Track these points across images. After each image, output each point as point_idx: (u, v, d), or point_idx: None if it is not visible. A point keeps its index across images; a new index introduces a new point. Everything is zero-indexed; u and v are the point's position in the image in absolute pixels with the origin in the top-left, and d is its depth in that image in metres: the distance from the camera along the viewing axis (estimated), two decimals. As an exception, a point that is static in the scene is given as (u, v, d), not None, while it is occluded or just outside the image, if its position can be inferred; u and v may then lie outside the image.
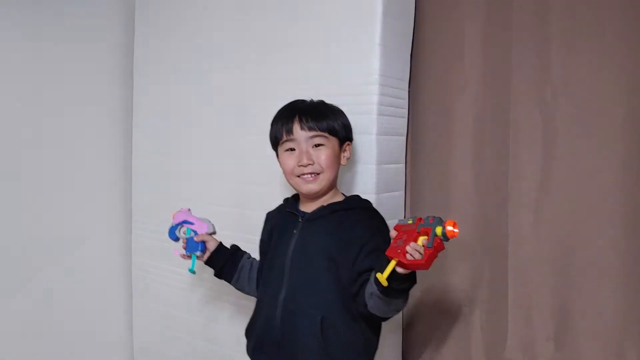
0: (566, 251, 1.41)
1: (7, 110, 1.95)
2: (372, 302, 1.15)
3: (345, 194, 1.42)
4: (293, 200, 1.42)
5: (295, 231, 1.32)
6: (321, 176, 1.29)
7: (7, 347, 1.97)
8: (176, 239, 1.49)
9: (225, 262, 1.46)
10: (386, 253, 1.04)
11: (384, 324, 1.44)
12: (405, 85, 1.62)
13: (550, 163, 1.42)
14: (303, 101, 1.37)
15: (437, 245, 1.00)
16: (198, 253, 1.43)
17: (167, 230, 1.51)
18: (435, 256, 1.00)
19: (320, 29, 1.59)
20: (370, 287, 1.14)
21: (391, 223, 1.57)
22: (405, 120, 1.64)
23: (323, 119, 1.30)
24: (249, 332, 1.41)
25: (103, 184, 2.26)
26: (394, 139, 1.59)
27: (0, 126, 1.94)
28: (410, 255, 1.00)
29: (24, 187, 2.01)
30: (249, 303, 1.45)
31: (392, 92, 1.54)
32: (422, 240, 1.01)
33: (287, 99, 1.42)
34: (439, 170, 1.64)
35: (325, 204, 1.33)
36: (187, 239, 1.46)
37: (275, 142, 1.35)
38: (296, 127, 1.29)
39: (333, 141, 1.31)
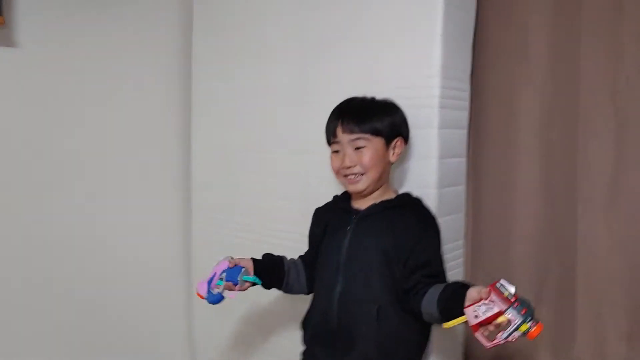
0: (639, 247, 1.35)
1: (71, 108, 2.03)
2: (429, 315, 1.19)
3: (402, 189, 1.46)
4: (345, 197, 1.45)
5: (348, 228, 1.36)
6: (365, 177, 1.33)
7: (66, 335, 2.05)
8: (220, 298, 1.35)
9: (272, 273, 1.43)
10: (465, 307, 1.02)
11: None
12: (467, 77, 1.58)
13: (623, 156, 1.36)
14: (352, 100, 1.40)
15: (513, 339, 0.98)
16: (244, 269, 1.35)
17: (225, 226, 1.48)
18: (500, 344, 0.99)
19: (380, 20, 1.57)
20: (431, 307, 1.16)
21: (447, 220, 1.56)
22: (467, 113, 1.61)
23: (365, 120, 1.32)
24: (305, 324, 1.45)
25: (164, 180, 2.32)
26: (456, 132, 1.56)
27: (67, 121, 2.02)
28: (484, 333, 0.99)
29: (89, 182, 2.09)
30: (305, 297, 1.47)
31: (453, 84, 1.51)
32: (502, 319, 0.98)
33: (347, 92, 1.44)
34: (502, 164, 1.60)
35: (377, 201, 1.36)
36: (225, 277, 1.34)
37: (328, 142, 1.41)
38: (339, 130, 1.34)
39: (376, 141, 1.33)
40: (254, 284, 1.37)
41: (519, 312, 0.98)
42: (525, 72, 1.54)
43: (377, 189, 1.37)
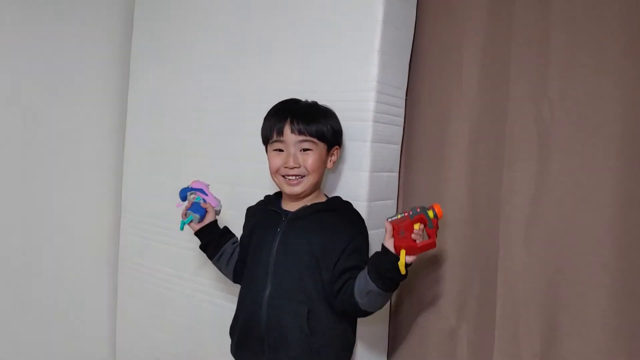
0: (556, 269, 1.39)
1: (8, 104, 1.93)
2: (368, 298, 1.21)
3: (328, 195, 1.46)
4: (275, 198, 1.45)
5: (278, 229, 1.36)
6: (305, 179, 1.33)
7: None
8: (184, 200, 1.50)
9: (210, 240, 1.49)
10: (395, 244, 1.15)
11: (367, 336, 1.43)
12: (402, 93, 1.61)
13: (545, 178, 1.41)
14: (297, 102, 1.40)
15: (436, 224, 1.15)
16: (197, 216, 1.45)
17: (153, 230, 1.49)
18: (436, 234, 1.15)
19: (319, 33, 1.58)
20: (367, 286, 1.19)
21: (377, 233, 1.57)
22: (401, 128, 1.63)
23: (314, 123, 1.32)
24: (232, 330, 1.43)
25: (94, 179, 2.24)
26: (389, 147, 1.57)
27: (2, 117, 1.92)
28: (419, 237, 1.13)
29: (13, 180, 1.98)
30: (235, 305, 1.43)
31: (389, 100, 1.53)
32: (418, 226, 1.14)
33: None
34: (432, 180, 1.62)
35: (308, 204, 1.37)
36: (193, 202, 1.47)
37: (266, 139, 1.38)
38: (287, 129, 1.32)
39: (321, 146, 1.34)
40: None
41: (416, 212, 1.15)
42: (457, 91, 1.58)
43: (311, 194, 1.39)
